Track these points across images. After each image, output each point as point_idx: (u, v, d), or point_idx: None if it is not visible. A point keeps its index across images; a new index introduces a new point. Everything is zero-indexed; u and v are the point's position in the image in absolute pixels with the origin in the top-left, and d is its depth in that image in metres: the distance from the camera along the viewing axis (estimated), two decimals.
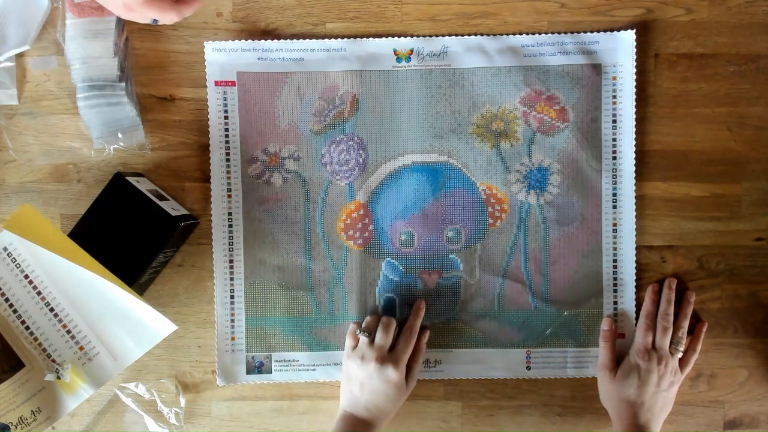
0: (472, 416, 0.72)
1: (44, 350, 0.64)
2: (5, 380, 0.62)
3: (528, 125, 0.70)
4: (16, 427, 0.61)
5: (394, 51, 0.70)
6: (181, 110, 0.70)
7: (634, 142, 0.69)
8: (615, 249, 0.70)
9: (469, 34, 0.70)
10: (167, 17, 0.60)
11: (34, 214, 0.62)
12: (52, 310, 0.64)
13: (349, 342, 0.68)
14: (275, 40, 0.69)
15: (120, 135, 0.69)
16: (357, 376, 0.65)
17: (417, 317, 0.69)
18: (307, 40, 0.69)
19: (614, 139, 0.70)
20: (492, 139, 0.70)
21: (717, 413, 0.72)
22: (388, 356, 0.65)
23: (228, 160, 0.70)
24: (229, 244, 0.70)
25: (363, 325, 0.68)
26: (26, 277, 0.64)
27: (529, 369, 0.71)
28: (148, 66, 0.70)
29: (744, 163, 0.70)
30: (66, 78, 0.69)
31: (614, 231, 0.70)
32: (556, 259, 0.70)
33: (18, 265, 0.64)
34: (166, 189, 0.70)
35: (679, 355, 0.68)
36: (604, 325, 0.70)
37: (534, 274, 0.70)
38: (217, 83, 0.69)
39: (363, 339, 0.66)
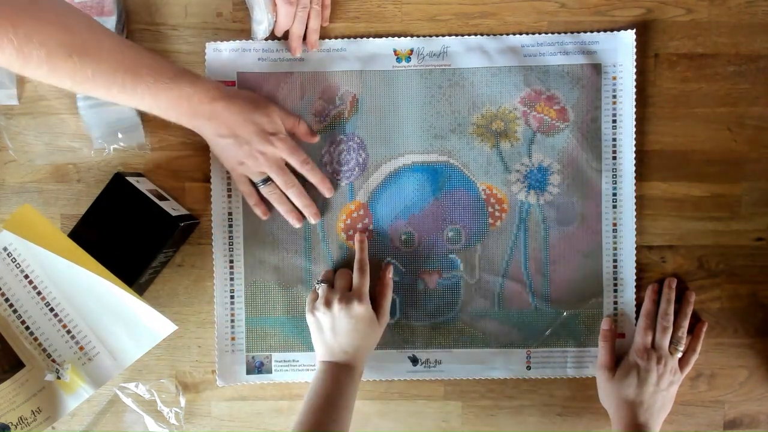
0: (472, 416, 0.72)
1: (44, 350, 0.64)
2: (5, 380, 0.62)
3: (528, 125, 0.70)
4: (16, 427, 0.61)
5: (394, 51, 0.70)
6: None
7: (634, 142, 0.69)
8: (615, 249, 0.70)
9: (469, 34, 0.70)
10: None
11: (34, 214, 0.62)
12: (52, 310, 0.64)
13: (310, 298, 0.68)
14: (275, 40, 0.69)
15: (120, 135, 0.68)
16: (326, 323, 0.65)
17: (361, 249, 0.69)
18: None
19: (614, 139, 0.70)
20: (492, 139, 0.70)
21: (717, 413, 0.72)
22: (349, 294, 0.65)
23: None
24: (229, 244, 0.70)
25: (320, 278, 0.69)
26: (26, 277, 0.64)
27: (529, 369, 0.71)
28: None
29: (744, 163, 0.70)
30: None
31: (614, 231, 0.70)
32: (556, 259, 0.70)
33: (18, 265, 0.64)
34: (166, 189, 0.70)
35: (679, 354, 0.68)
36: (604, 324, 0.70)
37: (534, 274, 0.70)
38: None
39: (323, 287, 0.67)
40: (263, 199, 0.68)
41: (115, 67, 0.56)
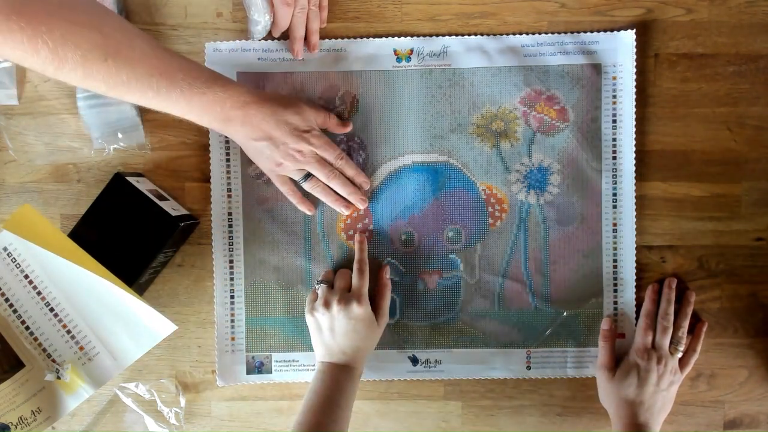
0: (472, 416, 0.72)
1: (44, 350, 0.64)
2: (5, 380, 0.62)
3: (528, 125, 0.70)
4: (16, 427, 0.61)
5: (394, 51, 0.70)
6: None
7: (634, 142, 0.69)
8: (615, 249, 0.70)
9: (469, 34, 0.70)
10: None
11: (34, 214, 0.62)
12: (52, 310, 0.64)
13: (309, 298, 0.69)
14: (275, 40, 0.69)
15: (120, 135, 0.69)
16: (325, 324, 0.65)
17: (361, 250, 0.69)
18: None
19: (614, 139, 0.70)
20: (492, 139, 0.70)
21: (717, 413, 0.72)
22: (348, 295, 0.66)
23: (228, 160, 0.70)
24: (229, 244, 0.70)
25: (320, 278, 0.69)
26: (26, 277, 0.64)
27: (529, 369, 0.71)
28: None
29: (744, 163, 0.70)
30: None
31: (614, 231, 0.70)
32: (556, 259, 0.70)
33: (18, 265, 0.64)
34: (166, 189, 0.70)
35: (679, 354, 0.68)
36: (604, 324, 0.70)
37: (534, 274, 0.70)
38: None
39: (322, 288, 0.67)
40: (305, 195, 0.69)
41: (150, 72, 0.55)
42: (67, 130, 0.70)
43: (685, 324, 0.69)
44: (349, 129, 0.69)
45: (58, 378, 0.63)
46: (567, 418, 0.72)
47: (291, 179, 0.68)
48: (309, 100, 0.68)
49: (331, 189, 0.68)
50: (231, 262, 0.71)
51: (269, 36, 0.69)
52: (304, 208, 0.69)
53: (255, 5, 0.65)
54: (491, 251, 0.70)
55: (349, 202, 0.69)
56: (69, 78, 0.53)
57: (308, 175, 0.67)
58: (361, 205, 0.69)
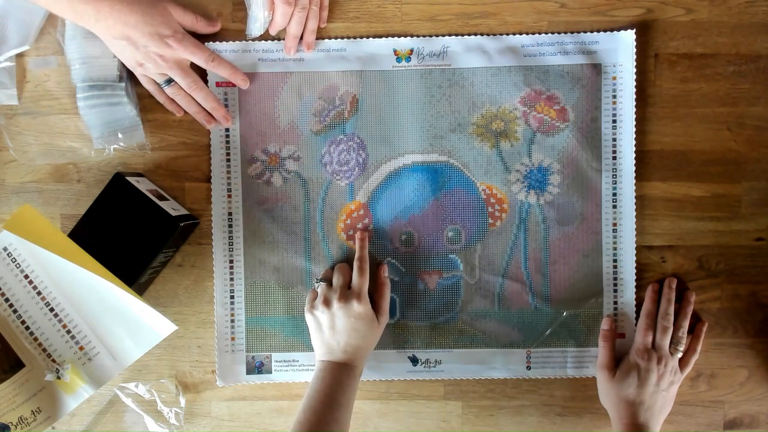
0: (472, 416, 0.72)
1: (44, 350, 0.64)
2: (5, 380, 0.62)
3: (528, 125, 0.70)
4: (16, 427, 0.61)
5: (394, 51, 0.70)
6: None
7: (634, 142, 0.69)
8: (615, 249, 0.70)
9: (469, 34, 0.70)
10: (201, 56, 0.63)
11: (34, 214, 0.62)
12: (52, 310, 0.64)
13: (309, 297, 0.68)
14: (275, 41, 0.69)
15: (120, 135, 0.69)
16: (325, 322, 0.65)
17: (361, 247, 0.69)
18: None
19: (614, 139, 0.70)
20: (492, 139, 0.70)
21: (717, 413, 0.72)
22: (348, 293, 0.66)
23: (228, 160, 0.70)
24: (229, 244, 0.71)
25: (319, 277, 0.69)
26: (26, 277, 0.64)
27: (529, 369, 0.71)
28: None
29: (744, 163, 0.70)
30: (66, 78, 0.69)
31: (614, 231, 0.70)
32: (556, 259, 0.70)
33: (18, 265, 0.64)
34: (166, 189, 0.71)
35: (679, 354, 0.68)
36: (604, 324, 0.70)
37: (534, 274, 0.70)
38: (218, 84, 0.69)
39: (321, 286, 0.67)
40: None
41: None
42: (67, 130, 0.70)
43: (685, 324, 0.69)
44: (218, 27, 0.68)
45: (58, 378, 0.63)
46: (567, 418, 0.72)
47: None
48: (175, 2, 0.65)
49: (194, 98, 0.67)
50: (231, 262, 0.71)
51: (266, 34, 0.69)
52: (172, 109, 0.68)
53: (255, 2, 0.65)
54: (491, 251, 0.70)
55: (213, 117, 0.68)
56: None
57: (171, 80, 0.65)
58: (225, 123, 0.68)
